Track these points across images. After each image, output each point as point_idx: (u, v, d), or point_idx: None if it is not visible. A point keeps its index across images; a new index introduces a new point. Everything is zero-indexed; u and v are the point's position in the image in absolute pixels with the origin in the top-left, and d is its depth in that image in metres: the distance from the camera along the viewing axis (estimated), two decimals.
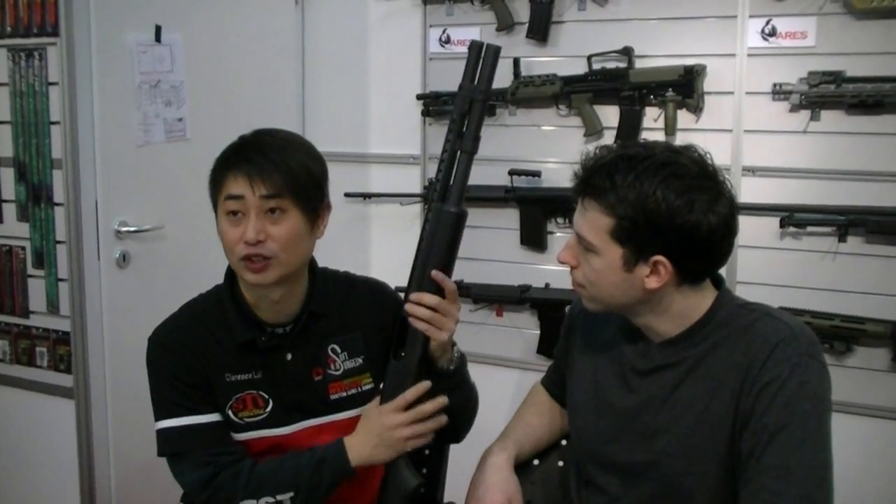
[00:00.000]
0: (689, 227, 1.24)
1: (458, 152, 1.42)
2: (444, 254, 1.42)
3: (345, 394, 1.52)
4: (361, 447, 1.44)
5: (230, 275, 1.51)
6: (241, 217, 1.39)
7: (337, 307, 1.53)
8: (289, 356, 1.49)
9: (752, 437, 1.24)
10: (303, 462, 1.42)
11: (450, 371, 1.49)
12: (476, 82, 1.42)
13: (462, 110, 1.41)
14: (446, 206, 1.41)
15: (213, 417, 1.45)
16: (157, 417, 1.47)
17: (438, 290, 1.42)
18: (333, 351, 1.52)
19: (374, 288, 1.60)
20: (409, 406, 1.44)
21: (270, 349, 1.48)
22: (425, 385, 1.45)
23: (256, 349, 1.47)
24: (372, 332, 1.54)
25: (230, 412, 1.47)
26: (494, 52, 1.41)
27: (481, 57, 1.41)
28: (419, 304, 1.41)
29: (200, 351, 1.46)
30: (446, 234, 1.41)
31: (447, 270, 1.42)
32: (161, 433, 1.46)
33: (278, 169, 1.38)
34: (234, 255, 1.40)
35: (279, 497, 1.40)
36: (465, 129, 1.42)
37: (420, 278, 1.42)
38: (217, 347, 1.46)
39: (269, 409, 1.48)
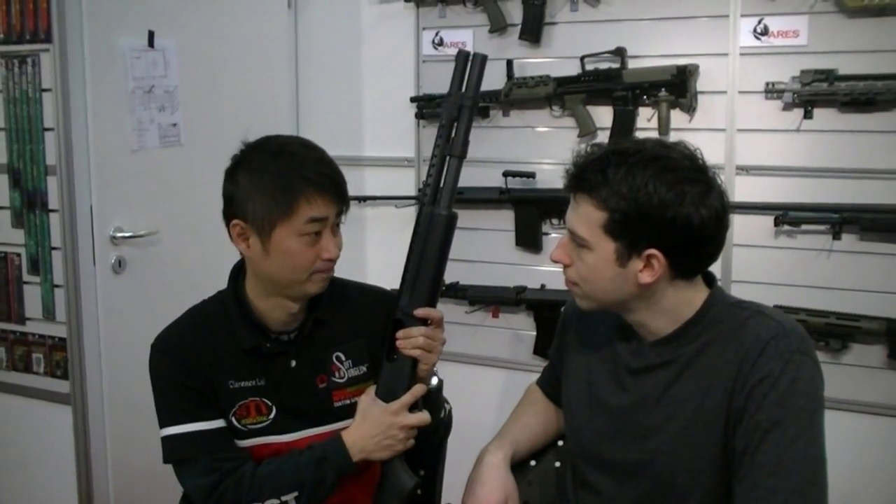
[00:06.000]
0: (681, 219, 1.24)
1: (448, 157, 1.44)
2: (436, 256, 1.44)
3: (348, 401, 1.51)
4: (364, 441, 1.43)
5: (234, 280, 1.50)
6: (317, 236, 1.40)
7: (341, 314, 1.53)
8: (293, 363, 1.49)
9: (746, 435, 1.24)
10: (303, 461, 1.42)
11: (429, 390, 1.49)
12: (464, 89, 1.45)
13: (451, 116, 1.44)
14: (437, 209, 1.44)
15: (218, 423, 1.45)
16: (162, 424, 1.45)
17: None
18: (338, 359, 1.53)
19: (376, 295, 1.60)
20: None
21: (274, 356, 1.48)
22: (423, 388, 1.46)
23: (261, 355, 1.46)
24: (375, 338, 1.53)
25: (233, 419, 1.46)
26: (481, 60, 1.45)
27: (468, 65, 1.45)
28: (407, 337, 1.43)
29: (204, 356, 1.45)
30: (438, 236, 1.44)
31: (440, 272, 1.45)
32: (166, 440, 1.45)
33: (345, 186, 1.43)
34: (308, 269, 1.41)
35: (283, 498, 1.40)
36: (454, 134, 1.44)
37: (413, 282, 1.45)
38: (221, 353, 1.46)
39: (272, 415, 1.48)
